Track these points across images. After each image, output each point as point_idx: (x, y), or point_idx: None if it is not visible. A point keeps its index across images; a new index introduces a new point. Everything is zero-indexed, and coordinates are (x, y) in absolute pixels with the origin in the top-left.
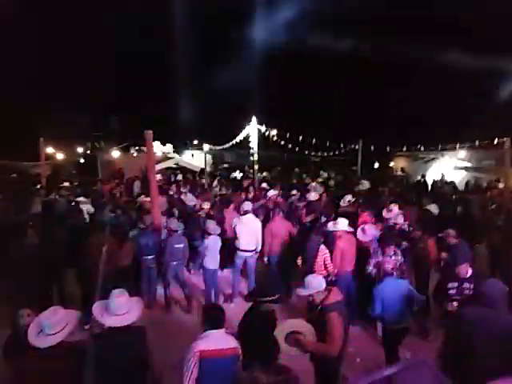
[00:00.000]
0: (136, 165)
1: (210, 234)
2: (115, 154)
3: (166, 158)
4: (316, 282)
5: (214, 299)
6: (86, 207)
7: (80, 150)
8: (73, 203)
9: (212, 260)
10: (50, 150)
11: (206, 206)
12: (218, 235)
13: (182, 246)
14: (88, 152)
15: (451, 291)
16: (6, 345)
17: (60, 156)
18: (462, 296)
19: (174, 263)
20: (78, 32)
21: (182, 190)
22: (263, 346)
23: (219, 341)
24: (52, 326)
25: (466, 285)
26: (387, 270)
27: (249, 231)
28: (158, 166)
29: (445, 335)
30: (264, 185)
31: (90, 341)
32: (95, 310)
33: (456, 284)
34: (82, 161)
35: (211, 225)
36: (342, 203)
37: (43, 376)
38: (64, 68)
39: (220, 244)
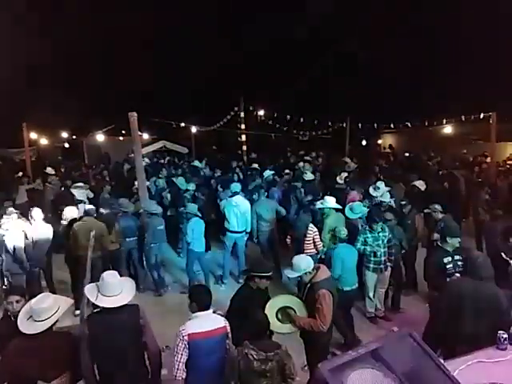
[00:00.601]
0: (122, 148)
1: (191, 217)
2: (100, 137)
3: (152, 140)
4: (304, 263)
5: (204, 281)
6: (87, 192)
7: (65, 134)
8: (63, 189)
9: (197, 242)
10: (33, 135)
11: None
12: (201, 218)
13: (162, 227)
14: (73, 137)
15: (448, 266)
16: None
17: (44, 141)
18: (456, 269)
19: (156, 245)
20: (65, 13)
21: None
22: (254, 322)
23: (207, 322)
24: (41, 313)
25: (457, 257)
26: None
27: (238, 212)
28: (145, 150)
29: (433, 307)
30: (255, 165)
31: (84, 323)
32: (88, 292)
33: (450, 258)
34: (66, 146)
35: (191, 207)
36: (338, 180)
37: (34, 362)
38: (47, 51)
39: (203, 226)
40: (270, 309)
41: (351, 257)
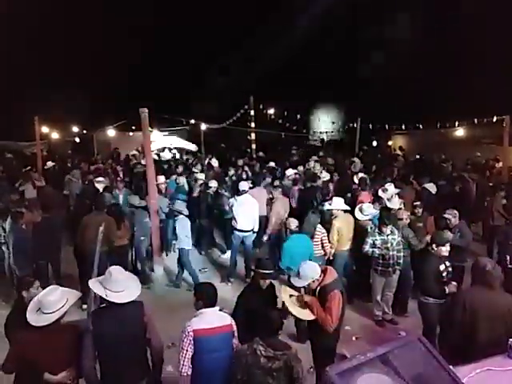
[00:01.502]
0: (132, 144)
1: (177, 214)
2: (111, 132)
3: (162, 137)
4: (311, 271)
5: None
6: (102, 185)
7: (75, 129)
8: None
9: (184, 239)
10: (44, 129)
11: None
12: (187, 216)
13: (147, 220)
14: (84, 131)
15: (444, 273)
16: (8, 318)
17: (55, 135)
18: (449, 275)
19: (146, 238)
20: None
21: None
22: (267, 320)
23: (213, 319)
24: (50, 305)
25: (448, 263)
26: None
27: (245, 211)
28: (154, 146)
29: (446, 317)
30: (272, 164)
31: (89, 318)
32: (94, 287)
33: (443, 266)
34: (77, 140)
35: (178, 204)
36: (355, 180)
37: (42, 351)
38: (59, 46)
39: (189, 224)
40: (285, 293)
41: (302, 248)
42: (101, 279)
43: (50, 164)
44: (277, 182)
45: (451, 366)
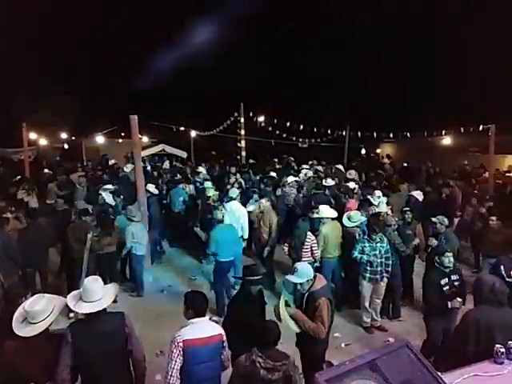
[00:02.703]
0: (121, 151)
1: (132, 220)
2: (100, 139)
3: (152, 144)
4: (308, 271)
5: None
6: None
7: (64, 135)
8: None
9: (139, 246)
10: (32, 135)
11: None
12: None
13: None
14: (73, 138)
15: (445, 288)
16: None
17: (43, 142)
18: (453, 289)
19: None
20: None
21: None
22: (265, 330)
23: (203, 329)
24: (36, 315)
25: (454, 277)
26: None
27: (233, 218)
28: (144, 153)
29: (459, 335)
30: (273, 174)
31: (67, 329)
32: (70, 298)
33: (446, 280)
34: (66, 147)
35: (133, 210)
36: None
37: (29, 361)
38: (47, 51)
39: (146, 230)
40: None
41: (228, 236)
42: (79, 291)
43: (47, 171)
44: (279, 191)
45: (439, 373)
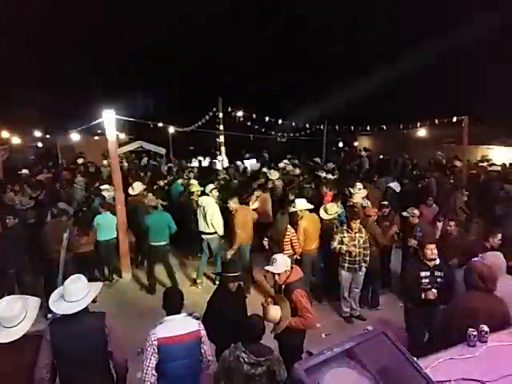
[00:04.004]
0: (98, 148)
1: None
2: (75, 137)
3: (129, 140)
4: (285, 261)
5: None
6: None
7: (38, 133)
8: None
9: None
10: (5, 134)
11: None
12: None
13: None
14: (47, 136)
15: (424, 280)
16: None
17: (16, 140)
18: (434, 285)
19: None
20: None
21: None
22: (249, 325)
23: (178, 326)
24: (11, 320)
25: (438, 273)
26: None
27: (204, 213)
28: (121, 150)
29: (445, 323)
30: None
31: (47, 328)
32: (53, 296)
33: (428, 273)
34: (40, 145)
35: (95, 204)
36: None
37: (6, 369)
38: (22, 48)
39: (114, 221)
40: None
41: (161, 223)
42: (60, 290)
43: (25, 171)
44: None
45: (415, 358)
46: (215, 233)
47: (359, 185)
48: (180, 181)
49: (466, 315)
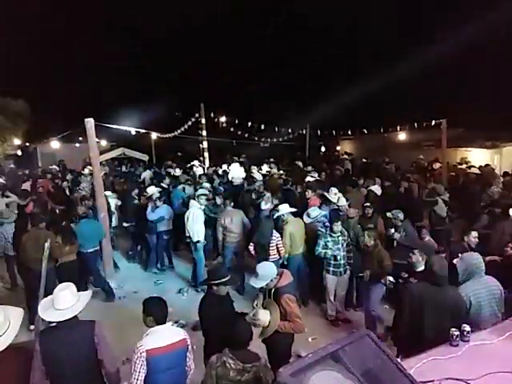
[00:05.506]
0: (79, 156)
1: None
2: (55, 144)
3: (111, 147)
4: (268, 271)
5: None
6: (115, 201)
7: (17, 141)
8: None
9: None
10: None
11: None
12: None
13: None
14: (27, 144)
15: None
16: None
17: None
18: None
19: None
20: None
21: None
22: (237, 331)
23: (166, 336)
24: None
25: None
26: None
27: (191, 220)
28: (103, 157)
29: (396, 310)
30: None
31: (37, 338)
32: (41, 305)
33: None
34: (19, 153)
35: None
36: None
37: None
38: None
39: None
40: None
41: (91, 231)
42: (51, 297)
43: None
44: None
45: (399, 359)
46: (199, 240)
47: (334, 189)
48: (180, 187)
49: (414, 301)
